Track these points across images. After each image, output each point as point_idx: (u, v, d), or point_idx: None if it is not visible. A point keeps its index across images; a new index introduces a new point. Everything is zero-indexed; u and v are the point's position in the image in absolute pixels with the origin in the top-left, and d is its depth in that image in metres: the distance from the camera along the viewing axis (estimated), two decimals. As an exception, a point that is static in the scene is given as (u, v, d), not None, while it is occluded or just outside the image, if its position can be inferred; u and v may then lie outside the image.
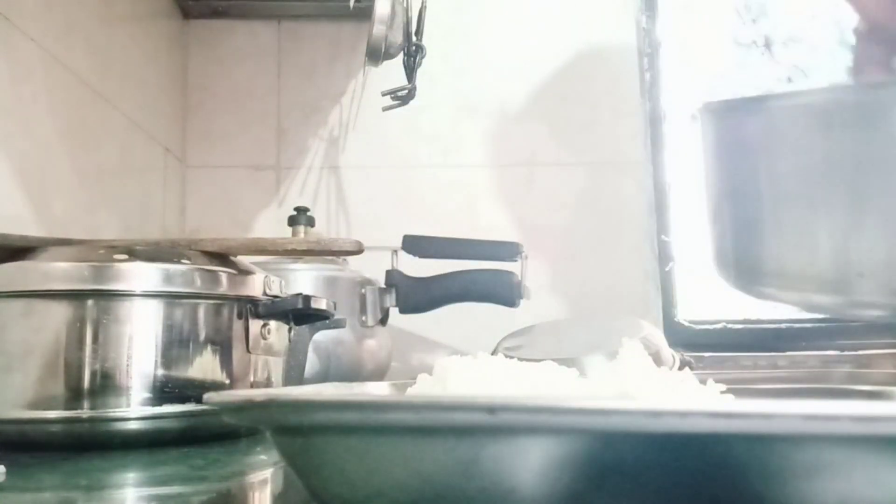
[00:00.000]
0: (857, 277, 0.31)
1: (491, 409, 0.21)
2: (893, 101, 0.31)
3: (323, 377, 0.82)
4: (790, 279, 0.36)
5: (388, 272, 0.91)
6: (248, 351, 0.54)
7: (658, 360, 0.77)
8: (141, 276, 0.49)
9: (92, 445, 0.47)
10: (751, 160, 0.37)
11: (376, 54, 0.93)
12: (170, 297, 0.50)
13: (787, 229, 0.34)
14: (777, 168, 0.35)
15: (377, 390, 0.44)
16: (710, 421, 0.21)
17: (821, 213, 0.33)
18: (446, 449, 0.23)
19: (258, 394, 0.25)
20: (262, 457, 0.46)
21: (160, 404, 0.48)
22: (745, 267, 0.38)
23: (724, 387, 0.40)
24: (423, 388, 0.39)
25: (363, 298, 0.88)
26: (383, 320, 0.90)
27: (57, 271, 0.48)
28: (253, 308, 0.54)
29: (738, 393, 0.41)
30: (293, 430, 0.26)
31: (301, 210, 0.95)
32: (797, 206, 0.34)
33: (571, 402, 0.22)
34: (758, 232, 0.36)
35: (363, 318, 0.87)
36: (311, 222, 0.95)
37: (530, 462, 0.23)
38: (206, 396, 0.28)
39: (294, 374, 0.63)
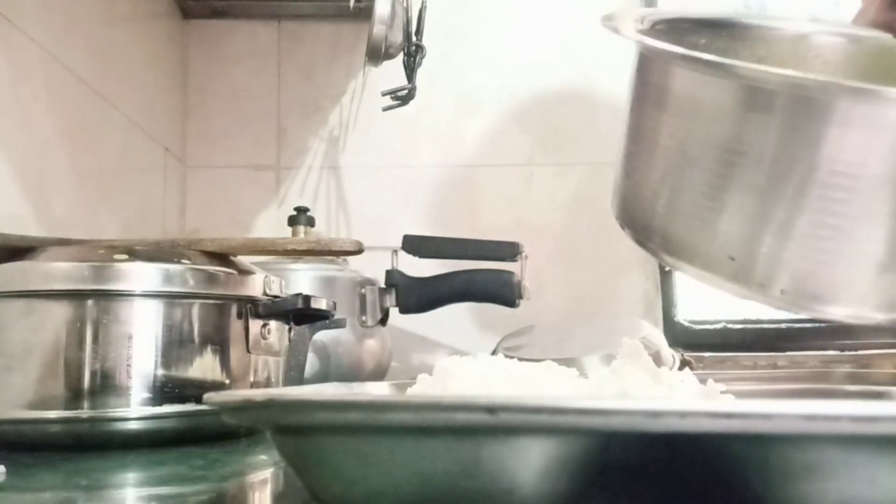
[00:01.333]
0: (728, 260, 0.31)
1: (491, 409, 0.21)
2: (833, 103, 0.29)
3: (323, 377, 0.82)
4: (672, 244, 0.35)
5: (388, 272, 0.91)
6: (248, 351, 0.54)
7: (658, 360, 0.77)
8: (141, 276, 0.49)
9: (92, 445, 0.47)
10: (667, 112, 0.35)
11: (376, 54, 0.93)
12: (170, 297, 0.50)
13: (681, 194, 0.34)
14: (688, 129, 0.34)
15: (377, 390, 0.44)
16: (710, 421, 0.21)
17: (713, 187, 0.32)
18: (446, 449, 0.23)
19: (258, 394, 0.25)
20: (262, 457, 0.46)
21: (160, 404, 0.48)
22: (637, 219, 0.38)
23: (724, 387, 0.40)
24: (423, 388, 0.39)
25: (363, 298, 0.88)
26: (383, 320, 0.90)
27: (57, 271, 0.48)
28: (253, 308, 0.54)
29: (738, 393, 0.41)
30: (293, 430, 0.26)
31: (301, 210, 0.95)
32: (695, 175, 0.33)
33: (571, 402, 0.22)
34: (654, 188, 0.35)
35: (363, 318, 0.87)
36: (311, 222, 0.95)
37: (530, 462, 0.23)
38: (205, 397, 0.28)
39: (294, 374, 0.63)
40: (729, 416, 0.21)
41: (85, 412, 0.47)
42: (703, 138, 0.32)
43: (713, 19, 0.44)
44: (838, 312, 0.31)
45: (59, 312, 0.47)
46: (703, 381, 0.40)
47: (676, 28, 0.46)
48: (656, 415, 0.21)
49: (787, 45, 0.46)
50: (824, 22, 0.48)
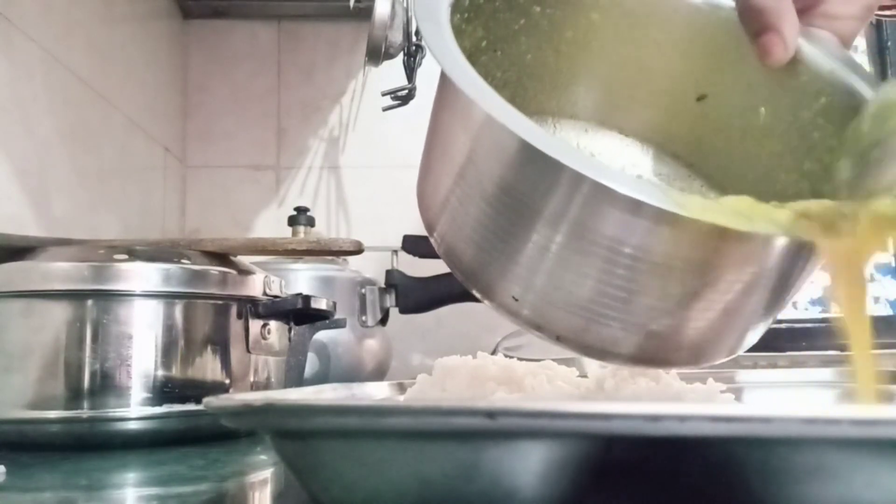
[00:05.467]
0: (512, 300, 0.32)
1: (491, 414, 0.21)
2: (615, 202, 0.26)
3: (323, 377, 0.82)
4: (439, 251, 0.36)
5: (388, 272, 0.91)
6: (248, 351, 0.53)
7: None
8: (141, 276, 0.49)
9: (92, 445, 0.47)
10: (457, 144, 0.34)
11: (376, 54, 0.93)
12: (170, 297, 0.50)
13: (457, 218, 0.33)
14: (472, 151, 0.32)
15: (377, 390, 0.44)
16: (710, 425, 0.21)
17: (496, 224, 0.31)
18: (446, 453, 0.23)
19: (257, 398, 0.25)
20: (262, 457, 0.46)
21: (160, 404, 0.48)
22: (424, 217, 0.38)
23: (723, 386, 0.40)
24: (423, 388, 0.39)
25: (363, 298, 0.88)
26: (383, 320, 0.90)
27: (57, 271, 0.48)
28: (253, 308, 0.54)
29: (738, 393, 0.41)
30: (292, 434, 0.26)
31: (301, 210, 0.95)
32: (475, 202, 0.32)
33: (571, 407, 0.22)
34: (441, 203, 0.35)
35: (363, 318, 0.87)
36: (311, 222, 0.95)
37: (530, 466, 0.23)
38: (204, 402, 0.28)
39: (294, 375, 0.63)
40: (729, 419, 0.21)
41: (85, 412, 0.47)
42: (486, 169, 0.30)
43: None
44: (611, 361, 0.32)
45: (59, 312, 0.47)
46: (703, 380, 0.40)
47: None
48: (656, 419, 0.21)
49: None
50: None
